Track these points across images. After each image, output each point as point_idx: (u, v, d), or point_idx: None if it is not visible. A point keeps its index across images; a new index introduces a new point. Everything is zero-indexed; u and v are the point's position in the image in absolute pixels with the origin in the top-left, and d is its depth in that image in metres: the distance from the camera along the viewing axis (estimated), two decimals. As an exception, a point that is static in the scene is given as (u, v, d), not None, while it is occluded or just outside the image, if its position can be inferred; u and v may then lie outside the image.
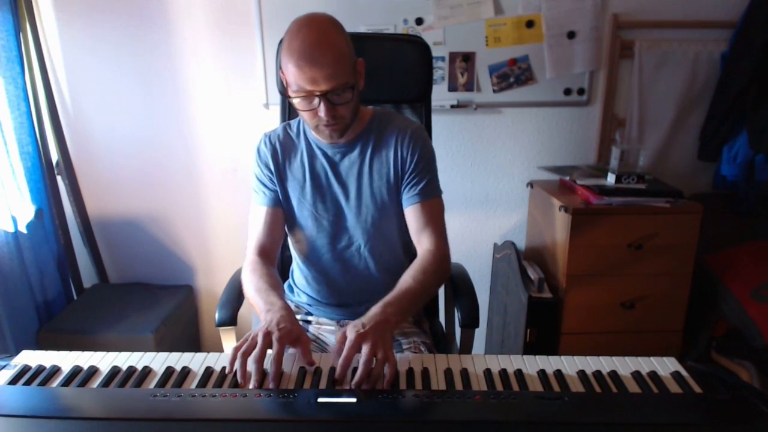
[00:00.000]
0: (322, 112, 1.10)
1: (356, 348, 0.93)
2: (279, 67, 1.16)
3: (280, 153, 1.28)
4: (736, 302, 1.89)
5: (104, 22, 2.04)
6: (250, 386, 0.90)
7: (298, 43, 1.07)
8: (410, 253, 1.38)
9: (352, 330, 0.96)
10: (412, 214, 1.24)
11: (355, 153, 1.25)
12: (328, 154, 1.26)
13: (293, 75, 1.08)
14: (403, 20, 2.02)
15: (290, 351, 1.00)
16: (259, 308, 1.09)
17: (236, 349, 0.95)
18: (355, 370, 0.92)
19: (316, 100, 1.10)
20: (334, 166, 1.26)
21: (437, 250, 1.20)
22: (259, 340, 0.94)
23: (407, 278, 1.13)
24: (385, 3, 1.99)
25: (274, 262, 1.27)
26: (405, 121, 1.29)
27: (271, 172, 1.27)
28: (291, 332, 0.98)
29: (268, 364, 0.94)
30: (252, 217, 1.30)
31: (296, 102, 1.12)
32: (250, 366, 0.92)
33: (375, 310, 1.02)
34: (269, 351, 0.95)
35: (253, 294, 1.14)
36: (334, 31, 1.10)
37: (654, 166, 2.15)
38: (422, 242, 1.23)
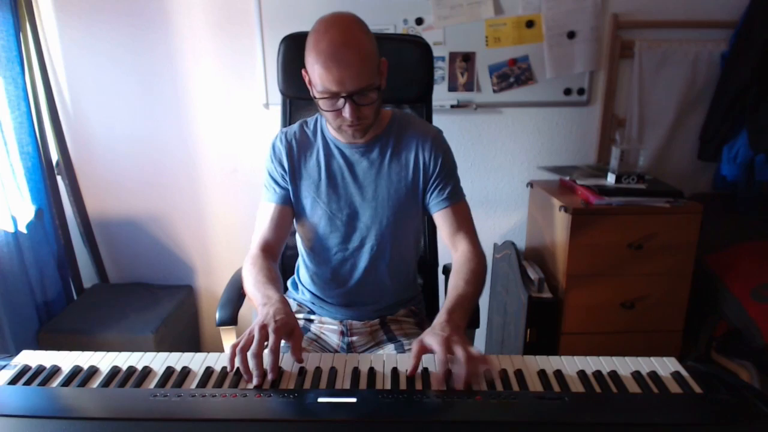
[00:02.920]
0: (346, 112, 1.10)
1: (448, 351, 0.93)
2: (302, 67, 1.15)
3: (296, 151, 1.27)
4: (736, 302, 1.89)
5: (104, 22, 2.05)
6: (253, 382, 0.90)
7: (325, 44, 1.06)
8: (418, 256, 1.39)
9: (433, 338, 0.96)
10: (442, 218, 1.25)
11: (374, 154, 1.24)
12: (346, 154, 1.25)
13: (319, 76, 1.07)
14: (403, 20, 2.02)
15: (289, 353, 1.00)
16: (256, 301, 1.09)
17: (234, 347, 0.95)
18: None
19: (341, 101, 1.09)
20: (351, 166, 1.25)
21: (477, 250, 1.22)
22: (256, 334, 0.94)
23: (461, 282, 1.13)
24: (385, 3, 1.99)
25: (277, 258, 1.27)
26: (425, 126, 1.30)
27: (285, 170, 1.26)
28: (286, 324, 0.98)
29: (266, 362, 0.94)
30: (260, 212, 1.29)
31: (321, 102, 1.12)
32: (250, 361, 0.92)
33: (443, 317, 1.02)
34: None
35: (251, 287, 1.14)
36: (361, 31, 1.10)
37: (654, 166, 2.15)
38: (458, 245, 1.23)
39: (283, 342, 0.96)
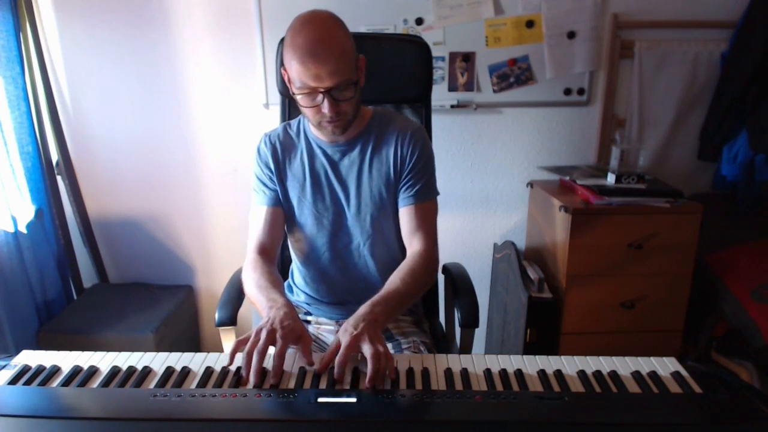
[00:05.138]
0: (325, 108, 1.11)
1: (353, 348, 0.94)
2: (281, 65, 1.16)
3: (280, 152, 1.28)
4: (736, 302, 1.89)
5: (104, 22, 2.04)
6: (251, 381, 0.90)
7: (301, 40, 1.07)
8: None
9: (345, 334, 0.97)
10: (405, 215, 1.25)
11: (356, 152, 1.25)
12: (328, 153, 1.26)
13: (297, 72, 1.08)
14: (403, 20, 2.02)
15: (290, 351, 1.00)
16: (260, 305, 1.09)
17: (239, 342, 0.95)
18: (354, 370, 0.92)
19: (320, 97, 1.10)
20: (334, 164, 1.26)
21: (426, 253, 1.21)
22: (263, 336, 0.95)
23: (396, 279, 1.14)
24: (385, 3, 1.99)
25: (275, 260, 1.28)
26: (406, 121, 1.30)
27: (272, 172, 1.28)
28: (294, 330, 0.98)
29: (268, 362, 0.94)
30: (252, 217, 1.30)
31: (299, 99, 1.13)
32: (252, 360, 0.92)
33: (363, 309, 1.03)
34: (271, 348, 0.95)
35: (254, 291, 1.14)
36: (337, 27, 1.10)
37: (654, 166, 2.15)
38: (413, 244, 1.24)
39: (289, 349, 0.96)
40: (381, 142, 1.25)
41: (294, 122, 1.32)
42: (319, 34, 1.07)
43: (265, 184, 1.29)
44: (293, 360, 0.98)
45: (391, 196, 1.26)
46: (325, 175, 1.26)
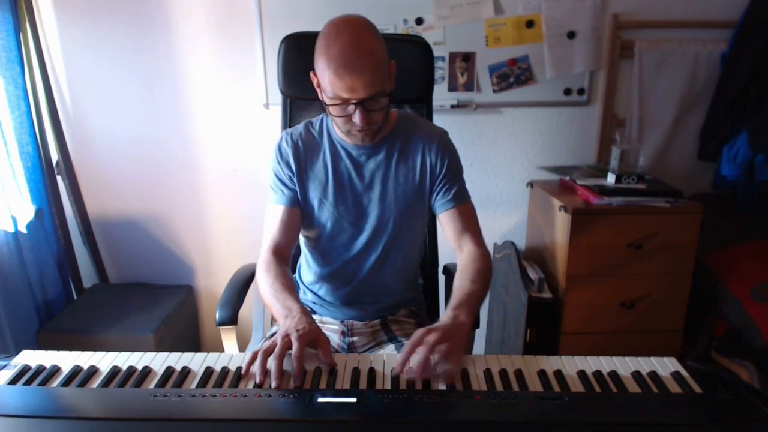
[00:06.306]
0: (357, 118, 1.10)
1: (431, 350, 0.94)
2: (311, 68, 1.14)
3: (302, 152, 1.26)
4: (736, 302, 1.89)
5: (104, 22, 2.05)
6: (272, 385, 0.90)
7: (336, 49, 1.04)
8: (421, 258, 1.39)
9: (430, 334, 0.97)
10: (448, 218, 1.25)
11: (381, 155, 1.24)
12: (353, 155, 1.25)
13: (330, 82, 1.07)
14: (403, 20, 2.02)
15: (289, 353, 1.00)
16: (276, 312, 1.09)
17: (254, 354, 0.95)
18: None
19: (352, 108, 1.09)
20: (358, 167, 1.25)
21: (482, 251, 1.22)
22: (279, 341, 0.95)
23: (466, 282, 1.14)
24: (385, 3, 1.99)
25: (288, 261, 1.26)
26: (431, 127, 1.31)
27: (292, 171, 1.26)
28: (309, 333, 0.98)
29: (290, 367, 0.94)
30: (268, 215, 1.28)
31: (331, 108, 1.12)
32: (272, 363, 0.92)
33: (447, 314, 1.04)
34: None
35: (268, 296, 1.14)
36: (372, 36, 1.08)
37: (654, 166, 2.15)
38: (464, 245, 1.24)
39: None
40: (407, 147, 1.25)
41: (316, 121, 1.30)
42: (355, 44, 1.04)
43: (284, 183, 1.26)
44: (291, 362, 0.98)
45: (417, 201, 1.25)
46: (349, 177, 1.25)
